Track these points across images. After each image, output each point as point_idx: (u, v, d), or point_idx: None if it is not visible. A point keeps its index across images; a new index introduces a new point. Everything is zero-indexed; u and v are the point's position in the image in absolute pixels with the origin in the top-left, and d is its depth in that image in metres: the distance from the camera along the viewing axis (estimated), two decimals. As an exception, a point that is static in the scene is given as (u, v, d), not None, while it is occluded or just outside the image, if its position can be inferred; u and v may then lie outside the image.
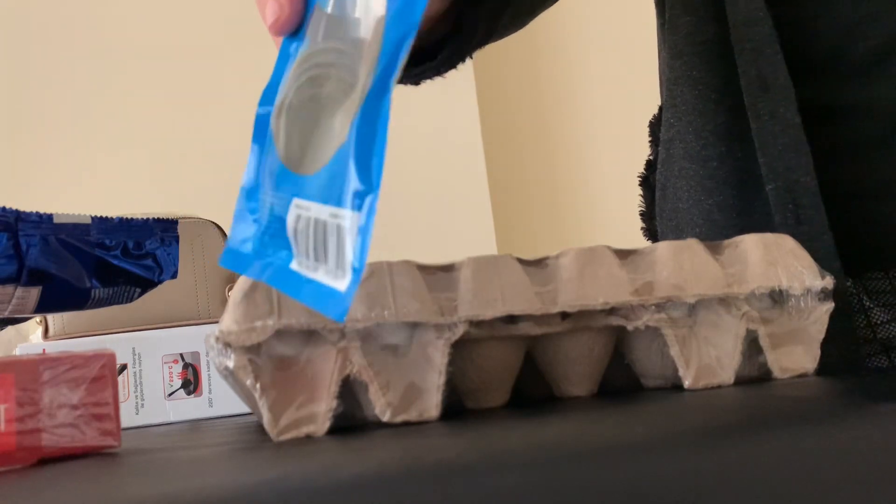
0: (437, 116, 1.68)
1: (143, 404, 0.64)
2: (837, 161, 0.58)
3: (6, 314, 0.44)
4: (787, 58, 0.58)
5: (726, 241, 0.44)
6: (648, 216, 0.71)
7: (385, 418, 0.36)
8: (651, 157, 0.71)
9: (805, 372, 0.42)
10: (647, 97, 0.83)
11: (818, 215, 0.55)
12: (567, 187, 1.85)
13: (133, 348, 0.64)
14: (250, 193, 0.38)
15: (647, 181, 0.72)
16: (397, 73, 0.32)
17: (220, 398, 0.65)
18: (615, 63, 1.83)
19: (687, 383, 0.40)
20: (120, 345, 0.64)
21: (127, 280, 0.47)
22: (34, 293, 0.43)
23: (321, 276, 0.32)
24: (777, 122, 0.57)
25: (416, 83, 0.61)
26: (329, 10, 0.38)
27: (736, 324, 0.41)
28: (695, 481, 0.23)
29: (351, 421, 0.37)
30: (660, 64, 0.70)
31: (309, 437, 0.35)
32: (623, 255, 0.42)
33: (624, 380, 0.43)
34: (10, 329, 0.62)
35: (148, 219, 0.48)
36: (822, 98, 0.59)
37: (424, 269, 0.38)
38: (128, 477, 0.28)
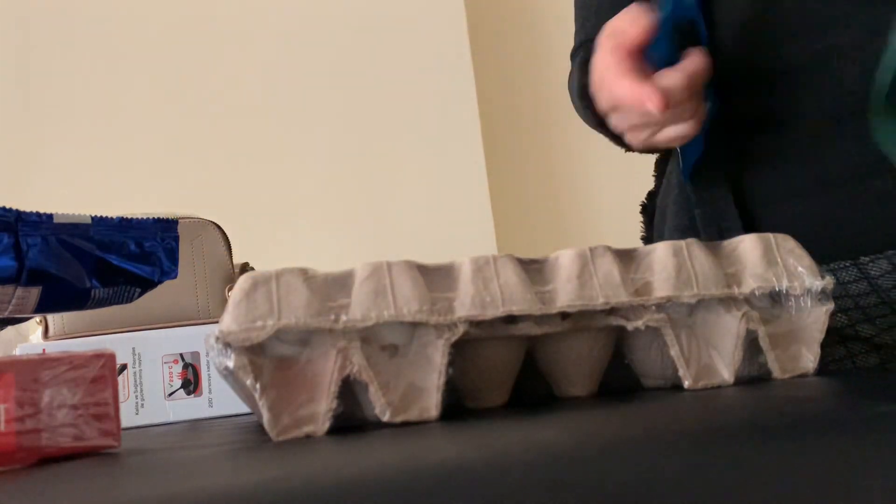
0: (437, 117, 1.68)
1: (143, 404, 0.64)
2: (774, 165, 0.62)
3: (6, 314, 0.44)
4: (724, 70, 0.59)
5: (726, 242, 0.44)
6: (647, 240, 0.77)
7: (385, 418, 0.36)
8: (653, 189, 0.77)
9: (805, 372, 0.42)
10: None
11: (738, 229, 0.61)
12: (567, 187, 1.85)
13: (133, 348, 0.64)
14: None
15: (647, 209, 0.77)
16: None
17: (220, 398, 0.65)
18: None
19: (687, 383, 0.40)
20: (120, 345, 0.64)
21: (127, 280, 0.47)
22: (34, 293, 0.43)
23: None
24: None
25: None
26: None
27: (736, 324, 0.41)
28: (694, 481, 0.23)
29: (351, 421, 0.37)
30: None
31: (309, 437, 0.35)
32: (623, 255, 0.42)
33: (624, 380, 0.43)
34: (10, 329, 0.62)
35: (148, 219, 0.48)
36: (758, 107, 0.62)
37: (424, 269, 0.38)
38: (128, 477, 0.28)
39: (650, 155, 0.74)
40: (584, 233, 1.81)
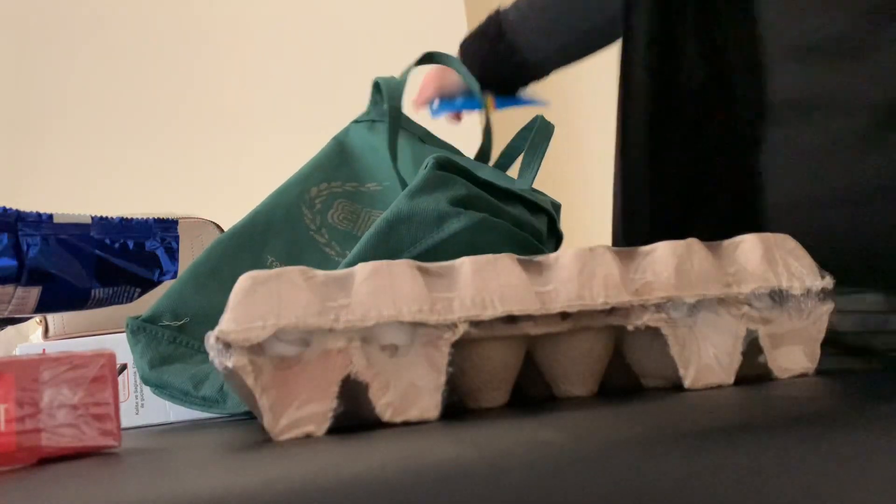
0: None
1: (143, 404, 0.64)
2: (800, 167, 0.54)
3: (6, 314, 0.44)
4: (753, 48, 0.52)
5: (726, 241, 0.44)
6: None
7: (385, 418, 0.36)
8: None
9: (805, 372, 0.42)
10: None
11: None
12: (567, 187, 1.85)
13: (133, 348, 0.64)
14: None
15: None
16: None
17: (220, 398, 0.65)
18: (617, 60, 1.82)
19: (687, 383, 0.40)
20: (120, 345, 0.64)
21: (127, 280, 0.47)
22: (34, 293, 0.43)
23: None
24: None
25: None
26: None
27: (736, 324, 0.41)
28: (694, 481, 0.23)
29: (351, 421, 0.37)
30: None
31: (309, 437, 0.35)
32: (623, 255, 0.42)
33: (624, 380, 0.43)
34: (10, 329, 0.62)
35: (148, 219, 0.48)
36: (787, 91, 0.53)
37: (424, 269, 0.38)
38: (128, 477, 0.28)
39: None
40: (584, 233, 1.81)
